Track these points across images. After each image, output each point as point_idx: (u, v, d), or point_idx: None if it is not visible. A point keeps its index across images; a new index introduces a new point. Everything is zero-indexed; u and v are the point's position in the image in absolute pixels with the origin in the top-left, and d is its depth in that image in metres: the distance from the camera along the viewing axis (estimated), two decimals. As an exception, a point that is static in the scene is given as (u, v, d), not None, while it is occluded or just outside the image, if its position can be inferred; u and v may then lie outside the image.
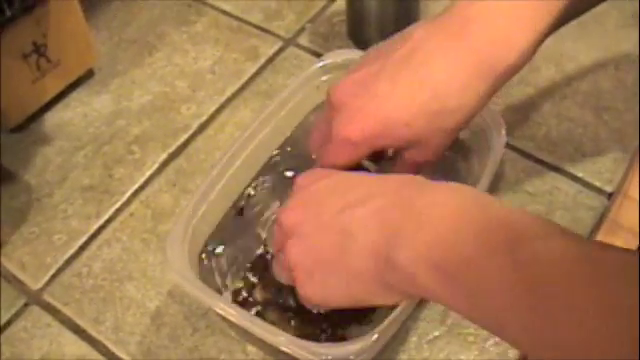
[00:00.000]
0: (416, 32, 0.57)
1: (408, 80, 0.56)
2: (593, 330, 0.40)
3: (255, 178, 0.70)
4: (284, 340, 0.55)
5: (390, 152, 0.63)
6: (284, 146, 0.71)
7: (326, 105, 0.60)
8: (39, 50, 0.77)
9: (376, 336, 0.55)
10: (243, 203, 0.69)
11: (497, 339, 0.64)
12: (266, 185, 0.70)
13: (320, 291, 0.54)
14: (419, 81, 0.56)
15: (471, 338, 0.65)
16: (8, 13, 0.71)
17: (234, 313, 0.58)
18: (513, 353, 0.64)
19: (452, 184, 0.51)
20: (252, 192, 0.70)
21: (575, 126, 0.79)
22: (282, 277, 0.58)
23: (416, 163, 0.60)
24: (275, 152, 0.71)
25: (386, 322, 0.56)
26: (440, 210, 0.49)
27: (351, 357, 0.54)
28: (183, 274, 0.59)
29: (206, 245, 0.66)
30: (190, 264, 0.61)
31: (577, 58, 0.85)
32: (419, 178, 0.53)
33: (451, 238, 0.47)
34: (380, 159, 0.63)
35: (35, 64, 0.77)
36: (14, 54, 0.75)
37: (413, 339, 0.65)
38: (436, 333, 0.66)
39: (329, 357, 0.54)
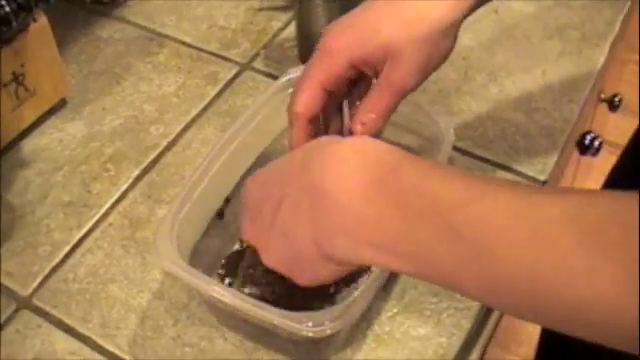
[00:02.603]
0: None
1: (390, 8, 0.63)
2: (539, 277, 0.44)
3: (235, 186, 0.77)
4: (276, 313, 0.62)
5: None
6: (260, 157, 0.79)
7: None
8: (18, 79, 0.83)
9: (353, 297, 0.62)
10: (222, 206, 0.76)
11: (451, 311, 0.72)
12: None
13: (306, 279, 0.58)
14: (400, 6, 0.63)
15: (427, 312, 0.72)
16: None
17: (226, 293, 0.64)
18: (466, 322, 0.71)
19: (350, 145, 0.54)
20: (232, 197, 0.77)
21: (509, 126, 0.88)
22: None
23: (394, 87, 0.63)
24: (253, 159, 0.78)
25: (355, 294, 0.64)
26: (350, 187, 0.52)
27: (327, 322, 0.61)
28: (175, 262, 0.65)
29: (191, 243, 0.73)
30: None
31: (507, 67, 0.94)
32: (319, 143, 0.57)
33: (374, 215, 0.51)
34: None
35: (14, 93, 0.84)
36: (-5, 83, 0.81)
37: (376, 316, 0.72)
38: (395, 310, 0.73)
39: (309, 323, 0.60)
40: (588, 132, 1.18)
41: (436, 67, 0.65)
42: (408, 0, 0.63)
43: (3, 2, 0.72)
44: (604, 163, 1.07)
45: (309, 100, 0.64)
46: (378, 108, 0.64)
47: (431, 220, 0.48)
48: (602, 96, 1.42)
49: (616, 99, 1.41)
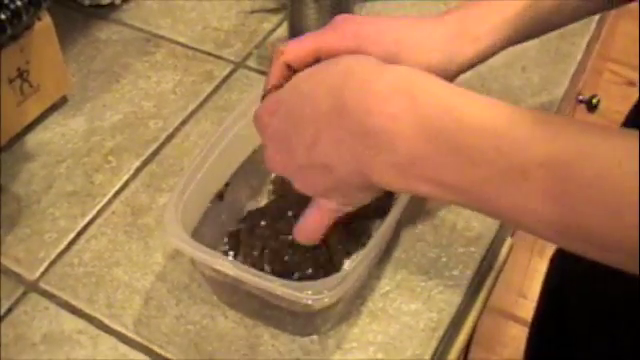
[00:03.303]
0: None
1: (403, 21, 0.68)
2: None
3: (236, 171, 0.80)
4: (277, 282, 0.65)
5: None
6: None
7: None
8: (22, 75, 0.87)
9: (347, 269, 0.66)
10: (222, 189, 0.79)
11: (441, 288, 0.76)
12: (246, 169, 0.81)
13: (345, 203, 0.61)
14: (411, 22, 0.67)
15: (418, 289, 0.76)
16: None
17: (231, 265, 0.67)
18: (456, 297, 0.75)
19: (397, 79, 0.55)
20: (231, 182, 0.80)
21: (491, 118, 0.92)
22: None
23: None
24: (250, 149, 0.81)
25: (351, 265, 0.67)
26: (401, 127, 0.53)
27: (325, 292, 0.64)
28: (181, 237, 0.69)
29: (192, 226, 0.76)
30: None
31: (489, 62, 0.98)
32: (354, 74, 0.57)
33: (428, 154, 0.52)
34: None
35: (19, 88, 0.87)
36: (1, 79, 0.85)
37: (369, 293, 0.76)
38: (387, 288, 0.76)
39: (309, 292, 0.64)
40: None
41: None
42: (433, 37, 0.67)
43: (14, -4, 0.76)
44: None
45: (298, 51, 0.66)
46: None
47: (496, 163, 0.50)
48: (580, 97, 1.47)
49: (594, 100, 1.45)
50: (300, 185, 0.62)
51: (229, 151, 0.78)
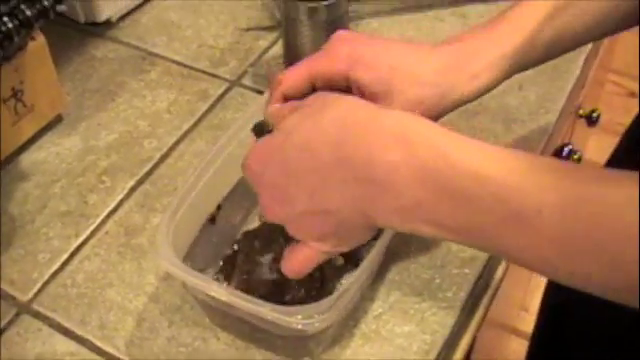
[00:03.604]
0: None
1: (401, 45, 0.69)
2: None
3: (229, 192, 0.80)
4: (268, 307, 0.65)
5: None
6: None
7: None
8: (17, 95, 0.87)
9: (337, 293, 0.65)
10: (214, 212, 0.79)
11: (434, 310, 0.75)
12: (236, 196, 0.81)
13: (344, 246, 0.62)
14: (409, 48, 0.68)
15: (412, 311, 0.76)
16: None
17: (221, 290, 0.67)
18: (449, 320, 0.75)
19: (394, 126, 0.56)
20: (223, 204, 0.80)
21: (487, 136, 0.91)
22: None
23: None
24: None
25: (342, 289, 0.67)
26: (401, 174, 0.54)
27: (316, 316, 0.64)
28: (173, 262, 0.69)
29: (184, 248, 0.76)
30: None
31: (484, 81, 0.98)
32: (353, 124, 0.57)
33: (428, 199, 0.54)
34: None
35: (13, 108, 0.87)
36: (-5, 99, 0.85)
37: (362, 315, 0.75)
38: (380, 310, 0.76)
39: (298, 316, 0.64)
40: (566, 144, 1.23)
41: None
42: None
43: (5, 19, 0.76)
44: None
45: (293, 80, 0.67)
46: None
47: (493, 210, 0.51)
48: (580, 112, 1.47)
49: (594, 114, 1.45)
50: (295, 231, 0.62)
51: (222, 172, 0.78)
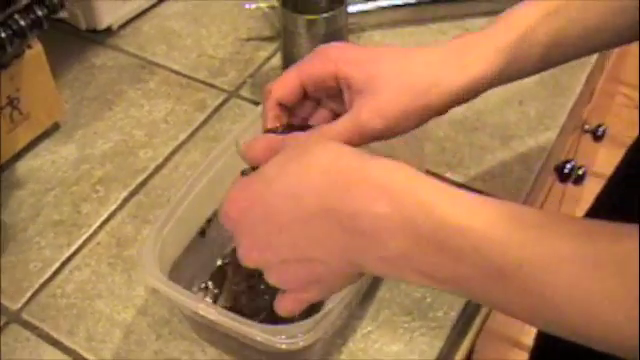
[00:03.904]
0: None
1: (392, 51, 0.67)
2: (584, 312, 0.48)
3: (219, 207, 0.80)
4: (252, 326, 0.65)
5: None
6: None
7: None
8: (13, 103, 0.87)
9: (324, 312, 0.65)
10: (204, 226, 0.79)
11: (424, 330, 0.75)
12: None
13: (322, 295, 0.61)
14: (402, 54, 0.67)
15: (401, 331, 0.75)
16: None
17: (204, 307, 0.67)
18: (438, 341, 0.74)
19: (379, 176, 0.55)
20: (214, 218, 0.79)
21: (485, 152, 0.91)
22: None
23: (359, 122, 0.64)
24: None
25: (327, 308, 0.67)
26: (387, 226, 0.53)
27: (299, 335, 0.64)
28: (158, 277, 0.68)
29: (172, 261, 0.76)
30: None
31: (486, 96, 0.97)
32: (338, 174, 0.56)
33: (415, 251, 0.53)
34: None
35: (9, 116, 0.87)
36: (-10, 107, 0.85)
37: (351, 334, 0.75)
38: (369, 328, 0.76)
39: (282, 335, 0.64)
40: (568, 161, 1.22)
41: (410, 129, 0.67)
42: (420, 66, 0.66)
43: (-1, 29, 0.76)
44: (592, 194, 1.10)
45: (284, 87, 0.67)
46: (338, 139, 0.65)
47: (476, 263, 0.51)
48: (586, 127, 1.46)
49: (600, 130, 1.44)
50: (276, 279, 0.60)
51: (214, 185, 0.77)
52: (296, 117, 0.70)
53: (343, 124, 0.64)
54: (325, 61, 0.66)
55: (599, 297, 0.47)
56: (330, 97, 0.69)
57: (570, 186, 1.38)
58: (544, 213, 0.54)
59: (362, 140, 0.65)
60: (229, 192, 0.61)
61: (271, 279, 0.60)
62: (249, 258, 0.60)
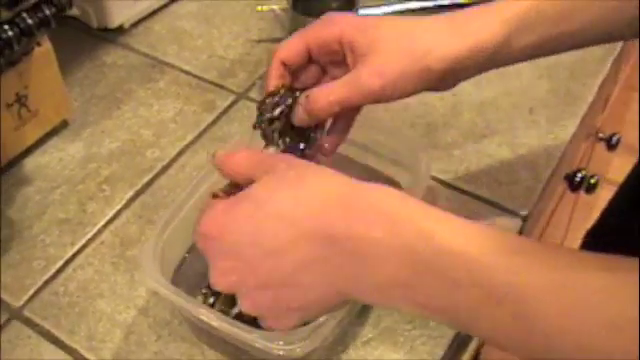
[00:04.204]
0: None
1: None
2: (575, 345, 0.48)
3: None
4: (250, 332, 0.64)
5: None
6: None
7: None
8: (21, 100, 0.87)
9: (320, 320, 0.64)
10: None
11: (425, 339, 0.74)
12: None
13: (286, 326, 0.59)
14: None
15: (401, 339, 0.75)
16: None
17: (209, 314, 0.67)
18: (439, 350, 0.74)
19: (377, 202, 0.55)
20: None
21: (493, 161, 0.90)
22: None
23: (359, 82, 0.65)
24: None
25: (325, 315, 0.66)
26: (384, 251, 0.52)
27: (297, 342, 0.64)
28: (158, 280, 0.68)
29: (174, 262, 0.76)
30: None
31: (496, 103, 0.97)
32: (336, 199, 0.55)
33: (407, 278, 0.52)
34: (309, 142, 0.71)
35: (17, 113, 0.87)
36: (-2, 103, 0.85)
37: (351, 341, 0.75)
38: (370, 335, 0.75)
39: (280, 342, 0.63)
40: (580, 169, 1.21)
41: (409, 93, 0.67)
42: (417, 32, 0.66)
43: (6, 27, 0.76)
44: (605, 203, 1.09)
45: (289, 50, 0.69)
46: (334, 97, 0.66)
47: (469, 290, 0.50)
48: (600, 135, 1.45)
49: (614, 138, 1.43)
50: (250, 305, 0.58)
51: (217, 186, 0.77)
52: (299, 82, 0.71)
53: (342, 82, 0.66)
54: (330, 25, 0.68)
55: (592, 326, 0.47)
56: (334, 64, 0.70)
57: (582, 195, 1.38)
58: (538, 242, 0.53)
59: (361, 99, 0.66)
60: (207, 210, 0.59)
61: (245, 305, 0.58)
62: (225, 281, 0.58)
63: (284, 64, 0.69)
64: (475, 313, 0.51)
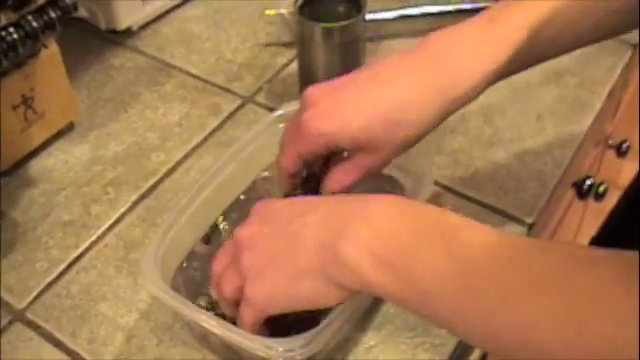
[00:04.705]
0: (386, 59, 0.69)
1: (372, 92, 0.66)
2: (521, 309, 0.49)
3: (224, 212, 0.80)
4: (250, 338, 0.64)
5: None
6: (250, 187, 0.82)
7: (300, 102, 0.70)
8: (27, 102, 0.87)
9: (319, 327, 0.64)
10: (209, 232, 0.79)
11: (427, 346, 0.74)
12: (234, 215, 0.81)
13: (268, 291, 0.61)
14: (381, 94, 0.66)
15: (403, 346, 0.74)
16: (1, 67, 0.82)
17: (209, 319, 0.67)
18: (441, 358, 0.73)
19: (384, 198, 0.60)
20: (220, 223, 0.80)
21: (499, 168, 0.90)
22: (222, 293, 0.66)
23: (363, 167, 0.69)
24: (243, 190, 0.82)
25: (326, 321, 0.66)
26: (382, 209, 0.58)
27: (296, 349, 0.63)
28: (159, 285, 0.69)
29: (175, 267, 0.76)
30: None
31: (503, 110, 0.97)
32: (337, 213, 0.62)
33: (391, 230, 0.57)
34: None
35: (23, 115, 0.88)
36: (5, 105, 0.85)
37: (352, 347, 0.74)
38: (372, 342, 0.75)
39: (279, 349, 0.63)
40: (588, 177, 1.20)
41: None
42: (388, 96, 0.67)
43: (11, 29, 0.76)
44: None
45: (289, 163, 0.70)
46: (344, 183, 0.70)
47: (433, 242, 0.55)
48: (610, 142, 1.44)
49: (624, 145, 1.42)
50: (242, 261, 0.63)
51: (219, 191, 0.77)
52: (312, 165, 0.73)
53: (351, 166, 0.69)
54: (312, 140, 0.68)
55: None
56: None
57: (592, 202, 1.37)
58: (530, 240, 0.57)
59: (371, 173, 0.70)
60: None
61: (251, 256, 0.62)
62: (247, 231, 0.64)
63: (290, 176, 0.72)
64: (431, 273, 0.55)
